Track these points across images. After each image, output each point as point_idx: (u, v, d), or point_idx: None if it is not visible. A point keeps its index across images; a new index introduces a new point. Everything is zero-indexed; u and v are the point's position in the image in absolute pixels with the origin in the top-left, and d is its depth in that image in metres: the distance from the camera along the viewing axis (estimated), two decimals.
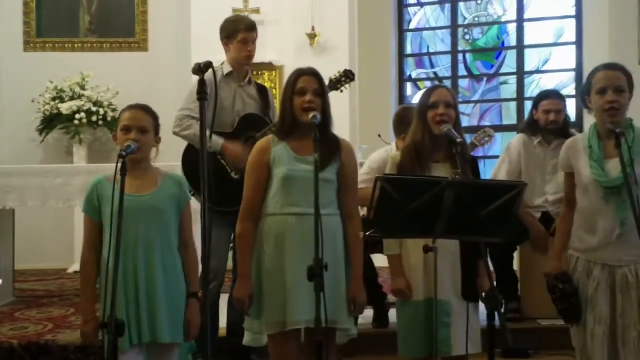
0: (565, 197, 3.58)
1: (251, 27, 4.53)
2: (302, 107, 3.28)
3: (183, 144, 4.52)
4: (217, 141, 4.34)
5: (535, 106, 5.14)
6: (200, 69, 2.57)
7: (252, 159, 3.38)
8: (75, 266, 7.34)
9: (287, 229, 3.22)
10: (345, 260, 3.30)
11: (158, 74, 8.31)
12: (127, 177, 2.96)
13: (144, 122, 3.27)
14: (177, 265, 3.28)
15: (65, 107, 7.95)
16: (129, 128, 3.25)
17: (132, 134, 3.22)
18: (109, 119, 8.00)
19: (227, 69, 4.54)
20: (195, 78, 2.75)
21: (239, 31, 4.49)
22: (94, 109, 7.96)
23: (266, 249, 3.26)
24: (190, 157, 4.40)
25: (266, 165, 3.32)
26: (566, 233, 3.51)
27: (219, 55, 4.62)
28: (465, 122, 8.65)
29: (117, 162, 2.92)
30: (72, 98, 8.06)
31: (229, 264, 4.43)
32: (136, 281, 3.17)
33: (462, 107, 8.64)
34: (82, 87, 8.13)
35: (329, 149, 3.28)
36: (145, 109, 3.34)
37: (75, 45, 8.60)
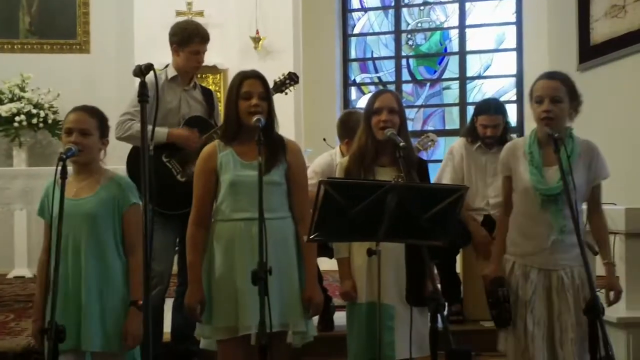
0: (503, 200, 3.62)
1: (206, 39, 4.48)
2: (249, 112, 3.26)
3: (126, 147, 4.46)
4: (161, 131, 4.26)
5: (475, 114, 5.20)
6: (142, 71, 2.53)
7: (199, 165, 3.35)
8: (16, 272, 7.19)
9: (237, 234, 3.21)
10: (299, 263, 3.29)
11: (100, 77, 8.23)
12: (74, 180, 2.92)
13: (86, 124, 3.22)
14: (113, 272, 3.21)
15: (4, 110, 7.82)
16: (70, 131, 3.20)
17: (72, 137, 3.18)
18: (49, 121, 7.88)
19: (172, 72, 4.50)
20: (137, 81, 2.71)
21: (192, 42, 4.42)
22: (34, 111, 7.84)
23: (216, 255, 3.24)
24: (135, 159, 4.35)
25: (213, 172, 3.30)
26: (505, 237, 3.56)
27: (163, 58, 4.58)
28: (409, 126, 8.73)
29: (57, 166, 2.88)
30: (11, 100, 7.93)
31: (175, 268, 4.39)
32: (67, 287, 3.12)
33: (406, 112, 8.72)
34: (22, 89, 8.00)
35: (274, 150, 3.28)
36: (91, 111, 3.29)
37: (15, 47, 8.47)
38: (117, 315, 3.19)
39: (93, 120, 3.26)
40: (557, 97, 3.36)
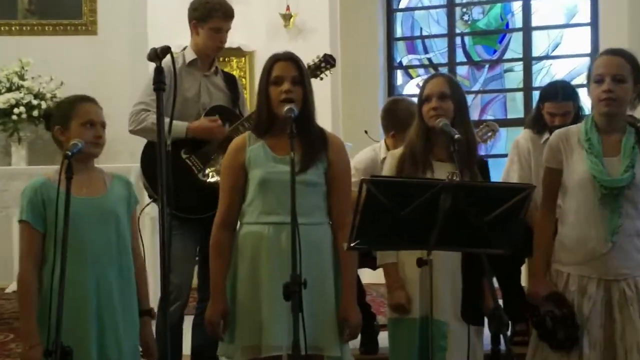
0: (545, 198, 3.57)
1: (229, 15, 4.50)
2: (280, 99, 3.28)
3: (138, 142, 4.50)
4: (179, 125, 4.28)
5: (541, 101, 5.15)
6: (157, 55, 2.57)
7: (226, 160, 3.39)
8: (15, 285, 7.26)
9: (264, 240, 3.23)
10: (336, 276, 3.30)
11: (110, 62, 8.24)
12: (76, 177, 2.96)
13: (102, 116, 3.33)
14: (132, 281, 3.30)
15: (1, 101, 7.89)
16: (92, 123, 3.28)
17: (99, 131, 3.28)
18: None
19: (191, 56, 4.53)
20: (152, 67, 2.74)
21: (213, 17, 4.45)
22: (35, 102, 7.88)
23: (241, 263, 3.27)
24: (150, 156, 4.38)
25: (242, 167, 3.33)
26: (549, 244, 3.51)
27: (180, 40, 4.61)
28: None
29: (62, 164, 2.93)
30: (9, 90, 7.98)
31: (195, 281, 4.43)
32: (86, 299, 3.16)
33: None
34: (22, 77, 8.05)
35: (313, 145, 3.30)
36: (97, 103, 3.38)
37: (13, 29, 8.52)
38: (136, 330, 3.29)
39: (102, 112, 3.36)
40: (621, 75, 3.31)
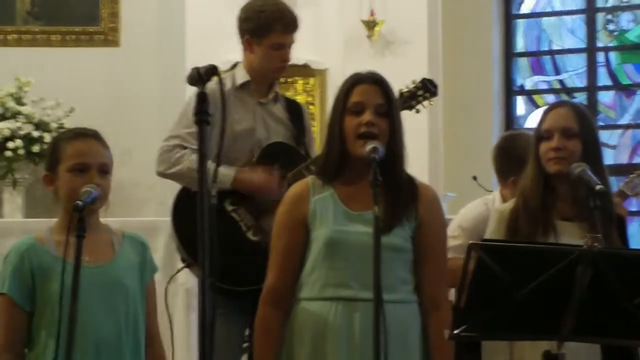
0: None
1: (292, 26, 4.56)
2: (358, 133, 3.31)
3: (169, 187, 4.55)
4: (226, 174, 4.33)
5: None
6: (201, 77, 2.60)
7: (282, 214, 3.42)
8: None
9: (331, 322, 3.25)
10: None
11: (134, 82, 8.30)
12: (74, 238, 3.00)
13: (105, 158, 3.35)
14: None
15: None
16: (85, 167, 3.29)
17: (94, 177, 3.26)
18: None
19: (243, 77, 4.58)
20: (192, 91, 2.78)
21: (274, 31, 4.49)
22: (35, 134, 7.94)
23: (299, 351, 3.29)
24: (186, 208, 4.41)
25: (302, 223, 3.36)
26: None
27: (224, 56, 4.66)
28: (608, 158, 8.60)
29: (70, 218, 2.99)
30: (3, 117, 8.08)
31: None
32: None
33: (603, 135, 8.60)
34: (19, 101, 8.13)
35: (400, 198, 3.32)
36: (101, 139, 3.41)
37: (9, 38, 8.61)
38: None
39: (108, 152, 3.39)
40: None
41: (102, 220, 3.45)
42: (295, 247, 3.36)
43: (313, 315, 3.28)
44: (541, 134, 3.58)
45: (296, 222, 3.37)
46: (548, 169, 3.53)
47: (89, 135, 3.38)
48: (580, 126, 3.56)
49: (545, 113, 3.64)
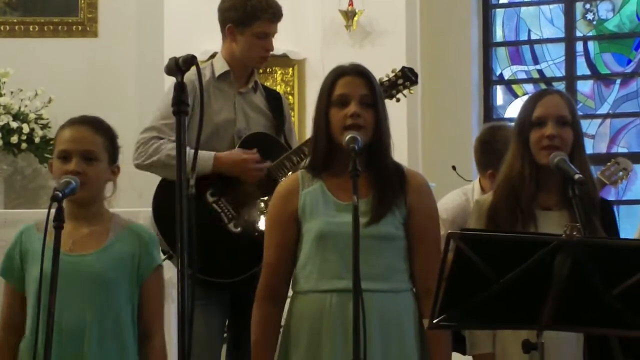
0: None
1: (278, 16, 4.55)
2: (344, 125, 3.31)
3: (149, 179, 4.53)
4: (204, 157, 4.28)
5: None
6: (179, 67, 2.59)
7: (273, 210, 3.44)
8: None
9: (326, 314, 3.26)
10: None
11: (113, 73, 8.31)
12: (69, 226, 2.99)
13: (91, 145, 3.33)
14: None
15: None
16: (67, 154, 3.30)
17: (71, 164, 3.27)
18: (36, 140, 7.97)
19: (222, 67, 4.57)
20: (171, 81, 2.76)
21: (259, 19, 4.48)
22: (14, 124, 7.95)
23: (295, 346, 3.30)
24: (165, 199, 4.36)
25: (293, 218, 3.37)
26: None
27: (203, 46, 4.64)
28: (588, 147, 8.62)
29: (49, 208, 2.97)
30: None
31: None
32: None
33: (583, 125, 8.62)
34: None
35: (388, 186, 3.33)
36: (96, 125, 3.41)
37: None
38: None
39: (100, 138, 3.38)
40: None
41: (112, 210, 3.49)
42: (288, 242, 3.37)
43: (309, 308, 3.29)
44: (532, 121, 3.55)
45: (287, 217, 3.38)
46: (539, 159, 3.52)
47: (81, 122, 3.40)
48: (572, 115, 3.56)
49: (535, 100, 3.60)
